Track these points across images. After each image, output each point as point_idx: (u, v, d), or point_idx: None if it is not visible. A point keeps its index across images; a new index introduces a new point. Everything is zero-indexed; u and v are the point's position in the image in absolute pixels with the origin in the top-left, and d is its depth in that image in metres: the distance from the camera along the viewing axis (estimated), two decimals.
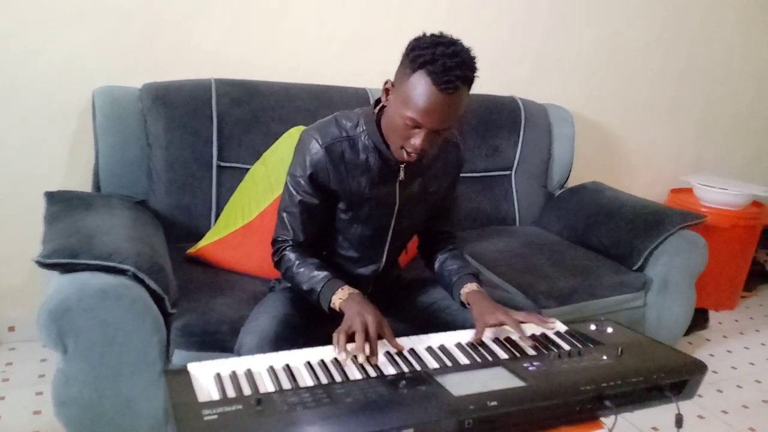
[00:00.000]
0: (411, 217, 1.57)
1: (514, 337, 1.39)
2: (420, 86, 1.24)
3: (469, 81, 1.28)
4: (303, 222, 1.48)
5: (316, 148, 1.41)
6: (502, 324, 1.40)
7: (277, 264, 1.53)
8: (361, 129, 1.43)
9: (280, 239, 1.52)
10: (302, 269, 1.45)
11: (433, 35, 1.28)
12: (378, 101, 1.45)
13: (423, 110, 1.25)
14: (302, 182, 1.44)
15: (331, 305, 1.39)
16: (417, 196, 1.53)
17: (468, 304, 1.51)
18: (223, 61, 2.32)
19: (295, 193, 1.46)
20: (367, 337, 1.26)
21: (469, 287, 1.53)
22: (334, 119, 1.46)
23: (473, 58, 1.28)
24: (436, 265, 1.65)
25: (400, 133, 1.31)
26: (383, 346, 1.30)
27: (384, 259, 1.60)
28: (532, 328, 1.45)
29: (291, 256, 1.48)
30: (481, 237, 2.52)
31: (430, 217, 1.64)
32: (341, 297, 1.38)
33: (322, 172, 1.43)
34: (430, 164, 1.52)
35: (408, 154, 1.33)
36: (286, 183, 1.49)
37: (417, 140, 1.29)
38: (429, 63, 1.22)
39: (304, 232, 1.49)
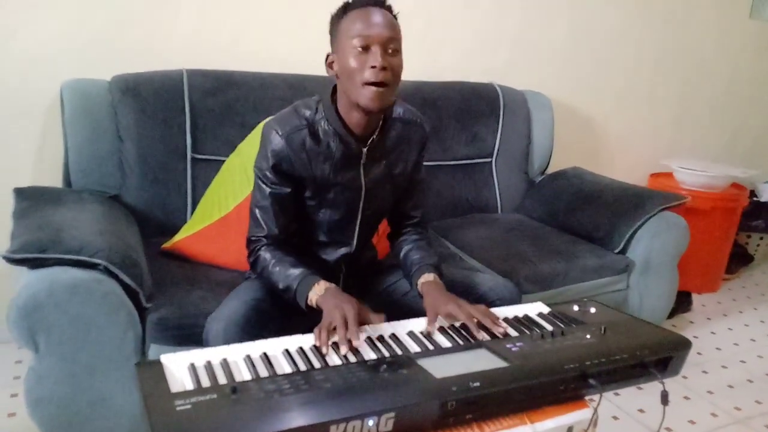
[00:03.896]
0: (379, 200, 1.56)
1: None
2: (352, 17, 1.32)
3: (389, 8, 1.36)
4: (275, 214, 1.46)
5: (276, 139, 1.41)
6: (451, 314, 1.34)
7: (253, 265, 1.50)
8: (321, 115, 1.43)
9: (254, 239, 1.49)
10: (278, 268, 1.42)
11: None
12: (334, 89, 1.44)
13: (365, 27, 1.30)
14: (269, 174, 1.43)
15: (308, 302, 1.36)
16: (383, 178, 1.52)
17: (421, 294, 1.47)
18: (195, 51, 2.27)
19: (264, 186, 1.45)
20: (347, 326, 1.23)
21: (425, 278, 1.49)
22: (293, 109, 1.45)
23: None
24: (401, 254, 1.62)
25: (358, 67, 1.31)
26: (364, 332, 1.27)
27: (355, 242, 1.58)
28: (513, 310, 1.43)
29: (266, 255, 1.45)
30: (463, 225, 2.50)
31: (398, 200, 1.62)
32: (318, 292, 1.35)
33: (285, 162, 1.42)
34: (394, 146, 1.52)
35: (376, 86, 1.31)
36: (255, 179, 1.47)
37: (374, 60, 1.30)
38: (350, 2, 1.35)
39: (278, 224, 1.47)
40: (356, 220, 1.55)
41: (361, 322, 1.27)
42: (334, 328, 1.23)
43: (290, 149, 1.41)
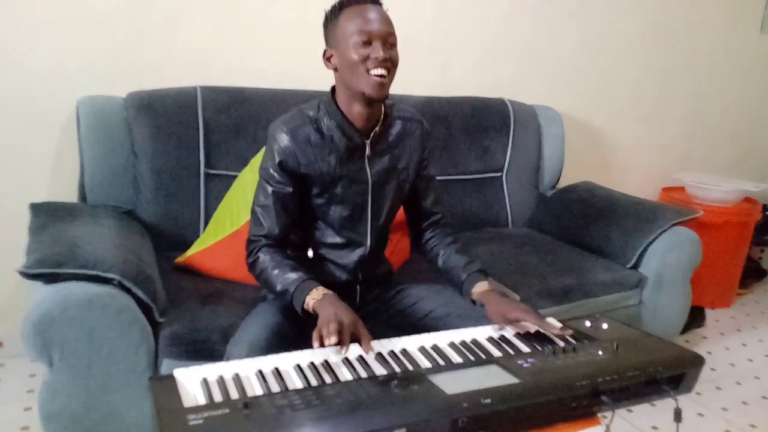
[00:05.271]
0: (386, 195, 1.58)
1: (508, 335, 1.37)
2: (350, 14, 1.38)
3: (381, 4, 1.44)
4: (277, 213, 1.48)
5: (282, 136, 1.45)
6: (520, 320, 1.39)
7: (251, 266, 1.51)
8: (323, 112, 1.48)
9: (253, 239, 1.51)
10: (276, 271, 1.44)
11: None
12: (333, 89, 1.49)
13: (365, 23, 1.37)
14: (273, 173, 1.46)
15: (305, 306, 1.37)
16: (388, 172, 1.56)
17: (482, 304, 1.50)
18: (208, 67, 2.30)
19: (267, 185, 1.48)
20: (341, 337, 1.25)
21: (481, 286, 1.53)
22: (297, 110, 1.51)
23: None
24: (440, 261, 1.64)
25: (359, 60, 1.37)
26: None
27: (369, 242, 1.59)
28: (524, 326, 1.43)
29: (265, 258, 1.47)
30: (473, 239, 2.50)
31: (415, 198, 1.65)
32: (315, 297, 1.36)
33: (291, 158, 1.45)
34: (396, 142, 1.57)
35: (379, 77, 1.37)
36: (259, 180, 1.50)
37: (377, 53, 1.36)
38: (344, 1, 1.41)
39: (279, 224, 1.48)
40: (366, 215, 1.57)
41: (354, 338, 1.28)
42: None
43: (296, 144, 1.45)
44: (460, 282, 1.57)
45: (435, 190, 1.69)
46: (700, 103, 3.52)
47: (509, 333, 1.40)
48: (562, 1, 2.92)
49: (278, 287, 1.42)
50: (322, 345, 1.22)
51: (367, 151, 1.51)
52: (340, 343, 1.23)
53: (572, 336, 1.38)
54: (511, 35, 2.85)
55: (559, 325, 1.38)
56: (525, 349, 1.31)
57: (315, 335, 1.24)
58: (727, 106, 3.62)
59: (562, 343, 1.33)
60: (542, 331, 1.37)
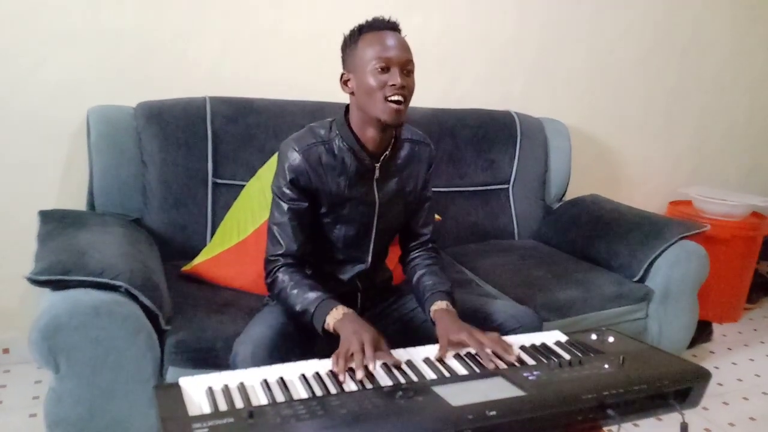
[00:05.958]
0: (392, 216, 1.59)
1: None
2: (369, 40, 1.39)
3: (400, 30, 1.45)
4: (294, 230, 1.48)
5: (294, 154, 1.45)
6: (462, 343, 1.35)
7: (270, 286, 1.51)
8: (335, 133, 1.48)
9: (271, 259, 1.51)
10: (295, 291, 1.44)
11: None
12: (346, 109, 1.50)
13: (384, 49, 1.37)
14: (286, 190, 1.47)
15: (325, 326, 1.37)
16: (395, 195, 1.56)
17: (434, 321, 1.47)
18: (218, 78, 2.32)
19: (282, 203, 1.48)
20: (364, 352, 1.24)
21: (438, 305, 1.49)
22: (309, 128, 1.51)
23: None
24: (414, 279, 1.63)
25: (377, 87, 1.37)
26: (381, 360, 1.27)
27: (370, 259, 1.60)
28: (530, 339, 1.43)
29: (284, 277, 1.47)
30: (479, 251, 2.50)
31: (407, 218, 1.65)
32: (336, 317, 1.36)
33: (303, 177, 1.46)
34: (405, 165, 1.57)
35: (396, 103, 1.38)
36: (272, 197, 1.51)
37: (394, 79, 1.37)
38: (364, 25, 1.42)
39: (296, 240, 1.48)
40: (371, 235, 1.58)
41: (377, 350, 1.27)
42: (352, 355, 1.24)
43: (307, 164, 1.45)
44: (423, 300, 1.55)
45: (427, 211, 1.68)
46: (707, 118, 3.51)
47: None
48: (571, 16, 2.93)
49: (298, 307, 1.42)
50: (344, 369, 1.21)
51: (376, 174, 1.51)
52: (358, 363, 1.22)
53: (579, 349, 1.38)
54: (519, 49, 2.86)
55: (512, 352, 1.30)
56: (530, 361, 1.30)
57: (334, 359, 1.23)
58: (735, 121, 3.61)
59: (568, 357, 1.33)
60: (479, 356, 1.31)
